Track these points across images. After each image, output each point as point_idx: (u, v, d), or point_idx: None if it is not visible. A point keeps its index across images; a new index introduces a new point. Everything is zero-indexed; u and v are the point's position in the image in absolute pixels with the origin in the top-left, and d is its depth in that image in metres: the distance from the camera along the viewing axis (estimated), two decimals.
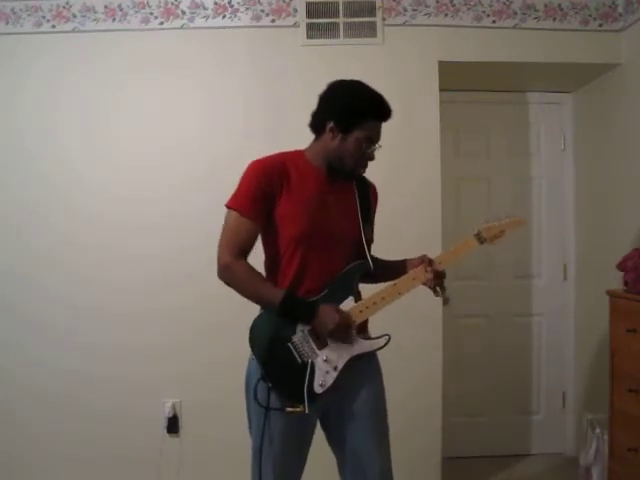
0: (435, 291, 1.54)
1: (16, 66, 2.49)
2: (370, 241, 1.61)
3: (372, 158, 1.54)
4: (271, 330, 1.46)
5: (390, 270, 1.60)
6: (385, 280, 1.55)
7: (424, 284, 1.53)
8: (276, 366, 1.46)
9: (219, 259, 1.47)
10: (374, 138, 1.52)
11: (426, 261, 1.53)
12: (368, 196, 1.63)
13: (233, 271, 1.46)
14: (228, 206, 1.49)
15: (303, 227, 1.48)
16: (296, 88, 2.47)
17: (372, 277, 1.59)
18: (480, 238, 1.53)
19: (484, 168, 3.03)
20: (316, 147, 1.55)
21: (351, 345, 1.48)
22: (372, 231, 1.63)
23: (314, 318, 1.44)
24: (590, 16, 2.56)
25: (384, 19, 2.52)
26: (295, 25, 2.52)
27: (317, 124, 1.53)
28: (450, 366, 2.74)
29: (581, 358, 2.95)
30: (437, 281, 1.52)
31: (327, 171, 1.54)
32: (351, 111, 1.48)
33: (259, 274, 1.49)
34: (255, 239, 1.50)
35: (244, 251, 1.47)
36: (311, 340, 1.47)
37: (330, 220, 1.52)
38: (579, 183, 2.98)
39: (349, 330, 1.46)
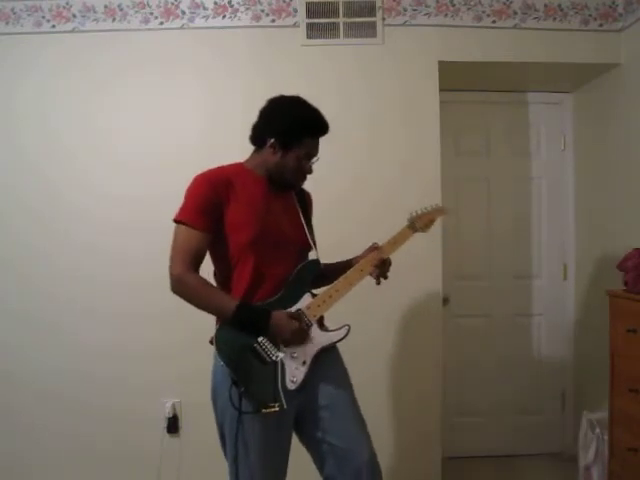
0: (378, 280, 1.64)
1: (16, 66, 2.49)
2: (315, 244, 1.67)
3: (310, 172, 1.62)
4: (236, 334, 1.47)
5: (339, 269, 1.66)
6: (336, 280, 1.61)
7: (370, 274, 1.61)
8: (246, 369, 1.47)
9: (170, 272, 1.48)
10: (312, 153, 1.61)
11: (373, 250, 1.63)
12: (305, 203, 1.72)
13: (185, 283, 1.48)
14: (177, 220, 1.53)
15: (253, 232, 1.51)
16: (296, 88, 2.42)
17: (324, 278, 1.65)
18: (414, 227, 1.69)
19: (484, 168, 3.03)
20: (257, 159, 1.62)
21: (312, 341, 1.52)
22: (313, 235, 1.71)
23: (268, 327, 1.46)
24: (590, 16, 2.56)
25: (384, 19, 2.52)
26: (295, 25, 2.52)
27: (257, 138, 1.62)
28: (450, 366, 2.74)
29: (581, 358, 2.96)
30: (383, 269, 1.62)
31: (269, 181, 1.60)
32: (291, 130, 1.56)
33: (211, 285, 1.52)
34: (205, 251, 1.54)
35: (195, 263, 1.50)
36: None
37: (278, 225, 1.58)
38: (579, 183, 2.98)
39: (305, 333, 1.51)
